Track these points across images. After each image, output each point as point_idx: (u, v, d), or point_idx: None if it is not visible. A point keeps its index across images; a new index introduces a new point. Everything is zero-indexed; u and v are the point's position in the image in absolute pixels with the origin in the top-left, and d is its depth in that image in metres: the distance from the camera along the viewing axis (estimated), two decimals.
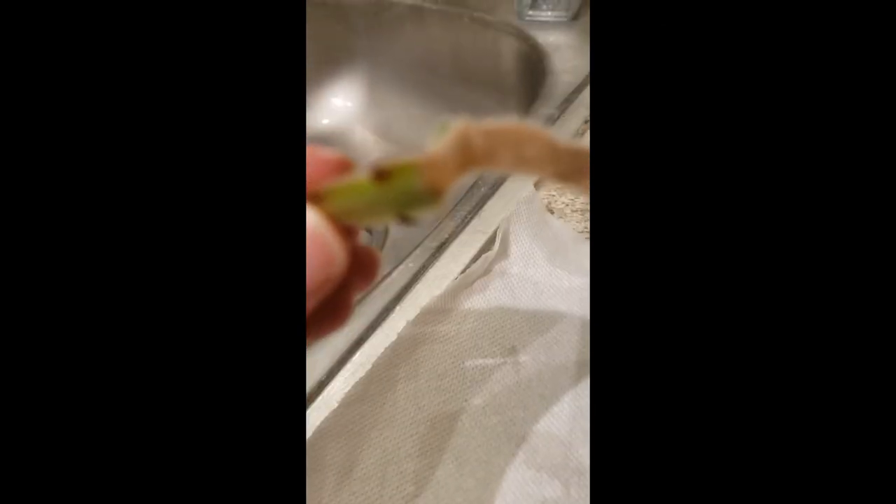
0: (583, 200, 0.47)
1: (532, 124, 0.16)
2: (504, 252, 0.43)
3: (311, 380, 0.34)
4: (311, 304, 0.17)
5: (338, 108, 0.63)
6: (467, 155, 0.16)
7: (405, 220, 0.17)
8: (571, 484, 0.35)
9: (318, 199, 0.17)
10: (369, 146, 0.62)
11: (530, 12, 0.63)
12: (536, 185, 0.47)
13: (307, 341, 0.17)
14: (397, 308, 0.38)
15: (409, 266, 0.42)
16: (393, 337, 0.36)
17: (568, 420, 0.38)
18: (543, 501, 0.35)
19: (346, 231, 0.18)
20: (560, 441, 0.37)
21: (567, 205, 0.46)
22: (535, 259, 0.43)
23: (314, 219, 0.17)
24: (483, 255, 0.42)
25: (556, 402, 0.38)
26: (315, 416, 0.33)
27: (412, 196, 0.16)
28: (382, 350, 0.35)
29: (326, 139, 0.63)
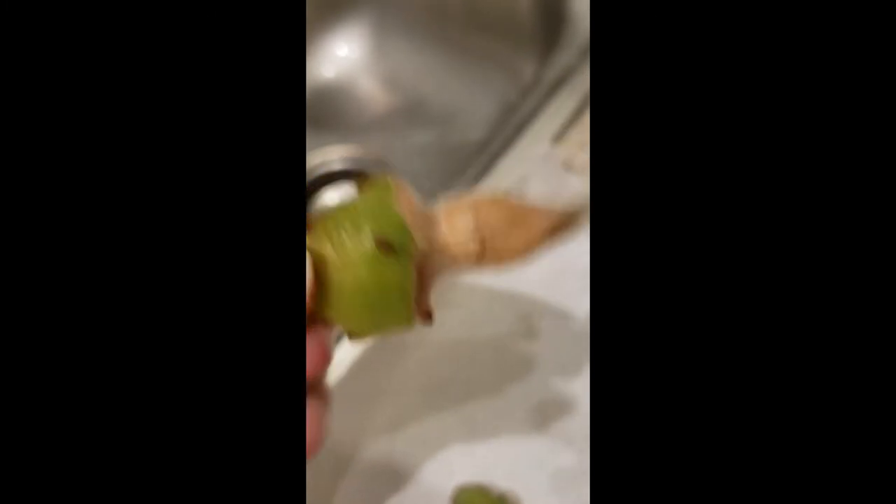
0: None
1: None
2: None
3: None
4: None
5: (341, 59, 0.61)
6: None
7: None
8: (586, 452, 0.35)
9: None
10: (376, 99, 0.60)
11: None
12: (554, 142, 0.45)
13: None
14: None
15: None
16: None
17: (583, 387, 0.37)
18: (557, 470, 0.35)
19: None
20: (575, 409, 0.37)
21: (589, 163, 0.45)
22: None
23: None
24: None
25: (571, 369, 0.38)
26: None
27: None
28: None
29: (330, 92, 0.60)
